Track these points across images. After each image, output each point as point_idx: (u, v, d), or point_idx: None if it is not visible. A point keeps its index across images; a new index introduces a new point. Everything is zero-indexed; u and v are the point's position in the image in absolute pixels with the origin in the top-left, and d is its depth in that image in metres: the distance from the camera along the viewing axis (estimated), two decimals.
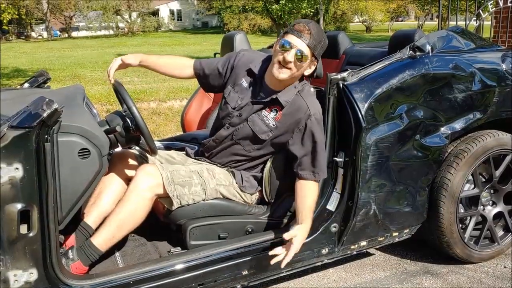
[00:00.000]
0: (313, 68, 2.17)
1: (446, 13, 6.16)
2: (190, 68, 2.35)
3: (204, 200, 2.19)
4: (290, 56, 2.02)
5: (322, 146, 2.16)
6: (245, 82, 2.24)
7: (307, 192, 2.13)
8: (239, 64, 2.28)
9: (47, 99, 1.61)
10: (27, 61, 15.93)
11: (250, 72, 2.23)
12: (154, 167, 2.10)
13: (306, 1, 13.61)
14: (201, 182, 2.17)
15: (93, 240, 2.00)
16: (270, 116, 2.17)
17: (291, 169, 2.20)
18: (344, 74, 2.23)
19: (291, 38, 2.03)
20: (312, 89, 2.24)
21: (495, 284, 2.49)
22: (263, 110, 2.18)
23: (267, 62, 2.22)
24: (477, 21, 6.00)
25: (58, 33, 41.89)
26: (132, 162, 2.27)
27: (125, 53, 2.45)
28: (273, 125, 2.17)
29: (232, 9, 35.72)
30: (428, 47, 2.43)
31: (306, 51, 2.04)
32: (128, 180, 2.17)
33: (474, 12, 5.99)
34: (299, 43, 2.03)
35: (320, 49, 2.10)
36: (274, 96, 2.15)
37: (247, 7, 32.13)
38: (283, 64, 2.04)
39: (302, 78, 2.21)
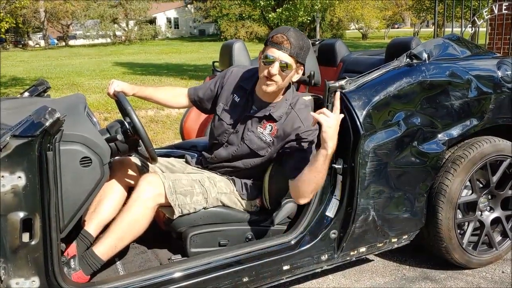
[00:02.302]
0: (300, 72, 2.16)
1: (442, 20, 6.22)
2: (185, 97, 2.43)
3: (205, 209, 2.21)
4: (274, 69, 2.03)
5: (305, 157, 2.14)
6: (237, 97, 2.26)
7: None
8: (229, 81, 2.32)
9: (49, 108, 1.63)
10: (24, 69, 15.96)
11: (241, 87, 2.26)
12: (156, 176, 2.12)
13: (302, 9, 13.66)
14: (203, 191, 2.19)
15: (95, 250, 2.01)
16: (266, 133, 2.19)
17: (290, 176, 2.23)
18: (342, 82, 2.25)
19: (272, 51, 2.04)
20: (304, 100, 2.25)
21: None
22: (258, 127, 2.20)
23: (256, 75, 2.24)
24: (473, 28, 6.06)
25: (56, 41, 41.93)
26: (132, 169, 2.28)
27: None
28: (270, 140, 2.19)
29: (229, 17, 35.89)
30: (425, 55, 2.46)
31: (289, 60, 2.04)
32: (128, 188, 2.19)
33: (469, 19, 6.05)
34: (280, 55, 2.03)
35: (303, 54, 2.09)
36: (267, 113, 2.17)
37: (244, 15, 32.27)
38: (269, 78, 2.05)
39: (292, 85, 2.22)
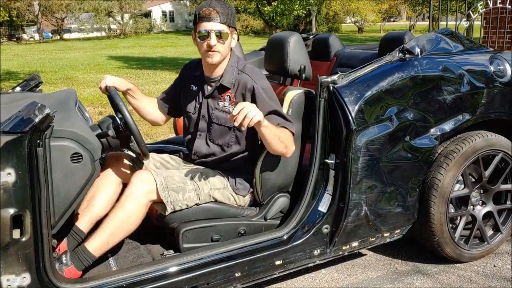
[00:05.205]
0: (235, 37, 2.26)
1: (437, 14, 6.21)
2: (158, 110, 2.47)
3: (197, 205, 2.21)
4: (212, 40, 2.12)
5: (278, 108, 2.18)
6: (193, 86, 2.36)
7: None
8: (184, 76, 2.43)
9: (39, 104, 1.62)
10: (18, 63, 15.87)
11: (193, 77, 2.36)
12: (149, 173, 2.12)
13: (298, 2, 13.61)
14: (195, 188, 2.19)
15: (87, 246, 2.01)
16: (227, 104, 2.26)
17: (282, 168, 2.26)
18: (335, 77, 2.25)
19: (203, 25, 2.13)
20: (250, 65, 2.31)
21: (485, 283, 2.52)
22: (219, 102, 2.26)
23: (201, 61, 2.31)
24: (468, 21, 6.06)
25: (50, 35, 41.69)
26: (125, 165, 2.28)
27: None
28: (233, 108, 2.18)
29: None
30: (418, 50, 2.45)
31: (222, 27, 2.13)
32: (121, 184, 2.19)
33: (464, 13, 6.05)
34: (213, 26, 2.12)
35: (231, 18, 2.19)
36: (218, 84, 2.24)
37: (239, 8, 32.14)
38: (210, 50, 2.14)
39: (232, 52, 2.29)
